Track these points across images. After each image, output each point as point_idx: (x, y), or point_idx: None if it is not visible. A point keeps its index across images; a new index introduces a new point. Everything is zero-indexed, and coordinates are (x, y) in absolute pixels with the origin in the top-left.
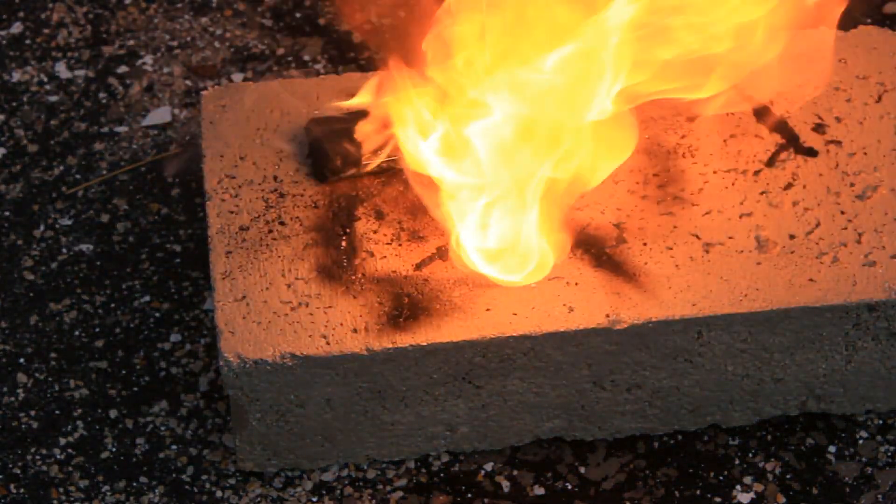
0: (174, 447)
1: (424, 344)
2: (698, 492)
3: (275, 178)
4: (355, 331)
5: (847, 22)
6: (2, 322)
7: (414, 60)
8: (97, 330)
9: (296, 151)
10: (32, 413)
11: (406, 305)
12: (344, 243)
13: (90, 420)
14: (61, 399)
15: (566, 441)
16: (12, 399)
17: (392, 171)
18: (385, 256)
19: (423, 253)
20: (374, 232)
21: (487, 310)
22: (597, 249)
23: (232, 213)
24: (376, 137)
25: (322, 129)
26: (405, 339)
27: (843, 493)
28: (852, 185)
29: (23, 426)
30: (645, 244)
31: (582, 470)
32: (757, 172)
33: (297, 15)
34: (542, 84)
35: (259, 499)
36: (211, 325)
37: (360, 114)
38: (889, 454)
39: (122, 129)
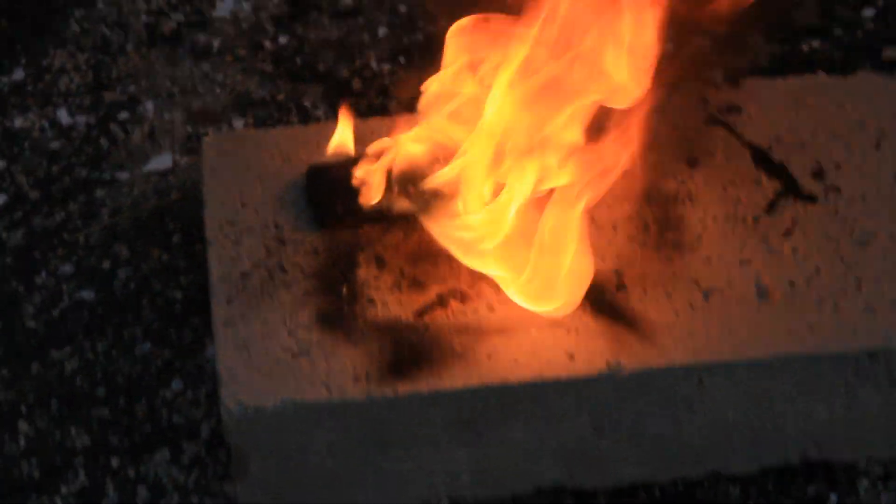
0: (176, 495)
1: (426, 391)
2: None
3: (276, 224)
4: (356, 378)
5: (846, 67)
6: (3, 369)
7: (412, 105)
8: (99, 377)
9: (297, 198)
10: (34, 461)
11: (407, 353)
12: (345, 290)
13: (92, 468)
14: (63, 447)
15: (567, 489)
16: (13, 447)
17: (393, 218)
18: (386, 303)
19: (425, 300)
20: (375, 279)
21: (489, 357)
22: (597, 296)
23: (233, 259)
24: (377, 184)
25: (323, 176)
26: (406, 387)
27: None
28: (852, 231)
29: (24, 474)
30: (645, 291)
31: None
32: (756, 219)
33: (298, 61)
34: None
35: None
36: (212, 372)
37: (361, 160)
38: (891, 502)
39: (123, 175)
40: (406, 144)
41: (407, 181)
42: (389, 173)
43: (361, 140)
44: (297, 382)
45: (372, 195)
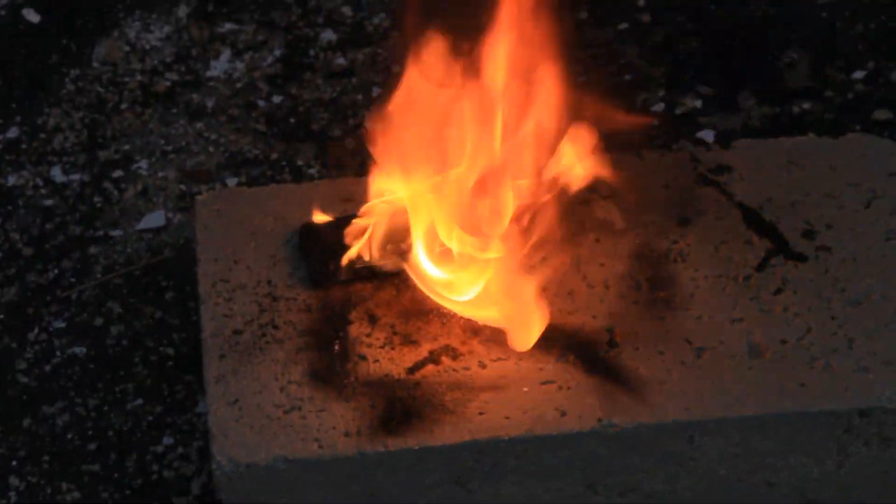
0: None
1: (417, 448)
2: None
3: (269, 282)
4: (348, 434)
5: (837, 129)
6: None
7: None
8: (90, 433)
9: (289, 256)
10: None
11: (399, 409)
12: (337, 347)
13: None
14: (53, 502)
15: None
16: (4, 502)
17: (385, 275)
18: (378, 360)
19: (416, 357)
20: (367, 335)
21: (480, 413)
22: (589, 354)
23: (226, 316)
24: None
25: (315, 234)
26: (398, 443)
27: None
28: (843, 290)
29: None
30: (637, 349)
31: None
32: (747, 278)
33: (291, 120)
34: None
35: None
36: (204, 428)
37: (354, 219)
38: None
39: (116, 232)
40: (388, 205)
41: (388, 241)
42: (375, 233)
43: (354, 199)
44: (289, 438)
45: (360, 255)
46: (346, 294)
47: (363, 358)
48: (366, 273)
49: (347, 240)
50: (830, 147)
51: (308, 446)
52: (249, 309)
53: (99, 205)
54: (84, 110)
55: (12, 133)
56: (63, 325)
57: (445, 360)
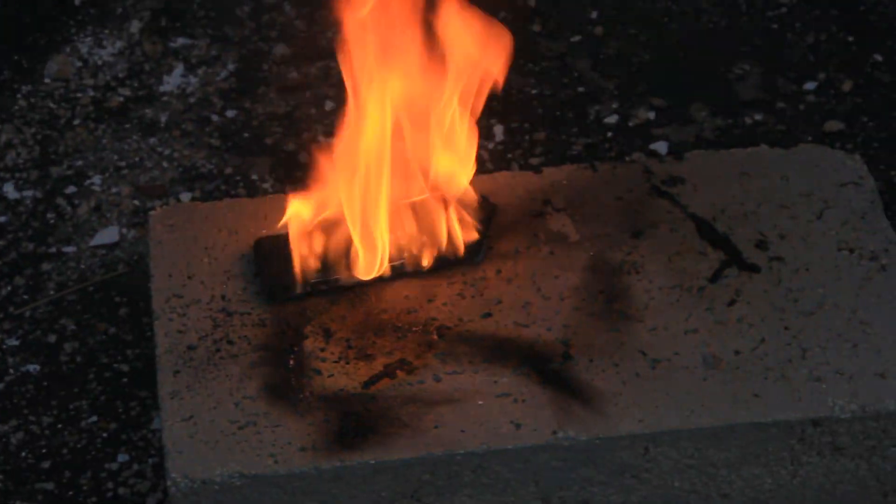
0: None
1: (372, 462)
2: None
3: (223, 297)
4: (303, 449)
5: (789, 140)
6: None
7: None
8: (44, 451)
9: (243, 270)
10: None
11: (354, 424)
12: (292, 362)
13: None
14: None
15: None
16: None
17: (340, 290)
18: (333, 375)
19: (371, 371)
20: (322, 350)
21: (435, 427)
22: (543, 366)
23: (180, 332)
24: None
25: (270, 249)
26: (353, 457)
27: None
28: (796, 300)
29: None
30: (591, 361)
31: None
32: (701, 289)
33: (245, 135)
34: None
35: None
36: (159, 444)
37: (308, 232)
38: None
39: (70, 249)
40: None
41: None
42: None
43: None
44: (244, 454)
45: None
46: (300, 308)
47: (318, 372)
48: (321, 287)
49: (299, 254)
50: (782, 158)
51: (263, 461)
52: (203, 324)
53: (52, 221)
54: (36, 126)
55: None
56: (16, 342)
57: (400, 373)
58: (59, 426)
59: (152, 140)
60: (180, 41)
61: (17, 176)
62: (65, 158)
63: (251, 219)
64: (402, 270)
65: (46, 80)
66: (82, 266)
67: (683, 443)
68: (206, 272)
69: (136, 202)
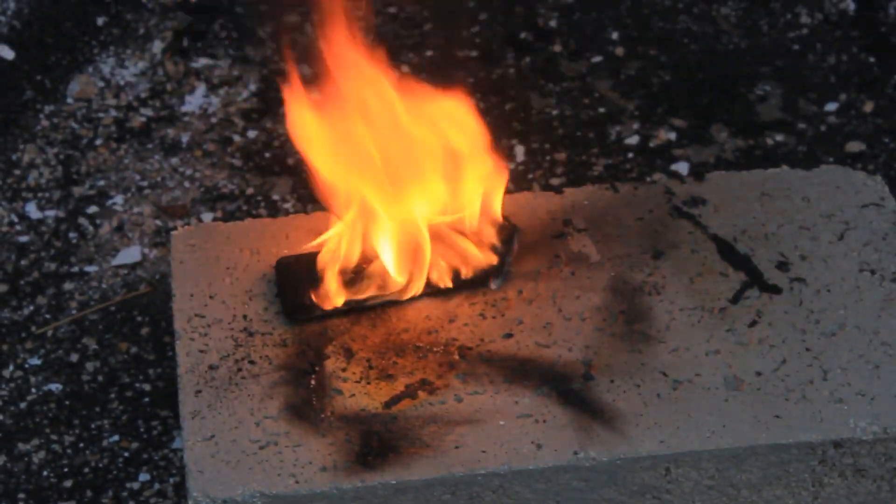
0: None
1: (394, 482)
2: None
3: (244, 316)
4: (324, 469)
5: (810, 161)
6: None
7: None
8: (66, 470)
9: (265, 290)
10: None
11: (375, 444)
12: (313, 382)
13: None
14: None
15: None
16: None
17: (361, 310)
18: (354, 395)
19: (392, 391)
20: (343, 370)
21: (456, 447)
22: (565, 387)
23: (201, 352)
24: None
25: (291, 269)
26: (374, 478)
27: None
28: (818, 322)
29: None
30: (612, 381)
31: None
32: (722, 310)
33: (267, 155)
34: None
35: None
36: (180, 464)
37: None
38: None
39: (92, 268)
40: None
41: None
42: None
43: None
44: (265, 474)
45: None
46: (321, 328)
47: (339, 392)
48: (342, 307)
49: (322, 274)
50: (804, 179)
51: (284, 481)
52: (225, 344)
53: (74, 241)
54: (59, 146)
55: None
56: (38, 361)
57: (422, 394)
58: (81, 445)
59: (174, 160)
60: (202, 61)
61: (40, 196)
62: (87, 178)
63: (273, 239)
64: (431, 290)
65: (69, 101)
66: (104, 286)
67: (705, 464)
68: (227, 292)
69: (158, 222)
